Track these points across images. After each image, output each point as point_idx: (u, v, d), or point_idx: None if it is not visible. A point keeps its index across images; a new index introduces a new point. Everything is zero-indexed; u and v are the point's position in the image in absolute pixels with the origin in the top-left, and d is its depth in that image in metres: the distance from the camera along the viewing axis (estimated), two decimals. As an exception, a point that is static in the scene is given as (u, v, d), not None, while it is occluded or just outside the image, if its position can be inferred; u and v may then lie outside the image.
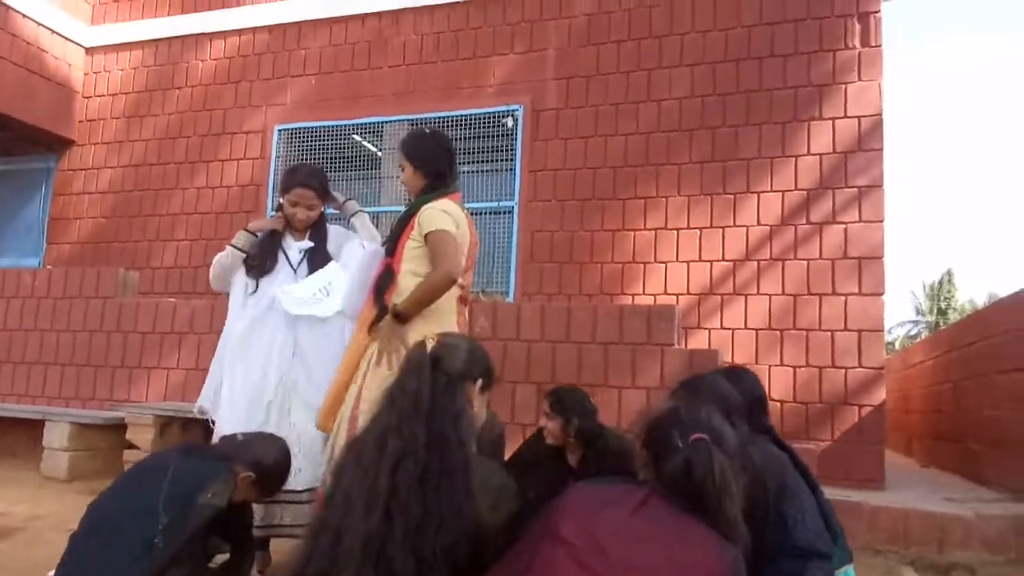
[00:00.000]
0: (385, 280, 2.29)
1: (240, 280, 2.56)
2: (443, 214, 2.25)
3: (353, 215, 2.70)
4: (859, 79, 4.32)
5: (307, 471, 2.37)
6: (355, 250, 2.55)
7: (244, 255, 2.55)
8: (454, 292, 2.27)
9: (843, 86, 4.34)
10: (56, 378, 4.71)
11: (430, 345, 1.71)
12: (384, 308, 2.24)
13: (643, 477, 1.47)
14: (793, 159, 4.43)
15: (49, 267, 5.68)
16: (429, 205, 2.27)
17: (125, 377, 4.58)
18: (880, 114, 4.27)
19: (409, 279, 2.23)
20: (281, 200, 2.60)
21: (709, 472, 1.32)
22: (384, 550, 1.38)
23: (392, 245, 2.32)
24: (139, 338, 4.61)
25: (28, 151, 6.21)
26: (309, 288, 2.46)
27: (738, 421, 1.69)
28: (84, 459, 4.06)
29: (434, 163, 2.37)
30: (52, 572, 1.75)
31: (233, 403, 2.39)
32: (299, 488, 2.35)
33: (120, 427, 4.03)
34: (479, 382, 1.79)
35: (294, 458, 2.22)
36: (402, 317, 2.19)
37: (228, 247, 2.57)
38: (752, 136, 4.49)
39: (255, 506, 2.25)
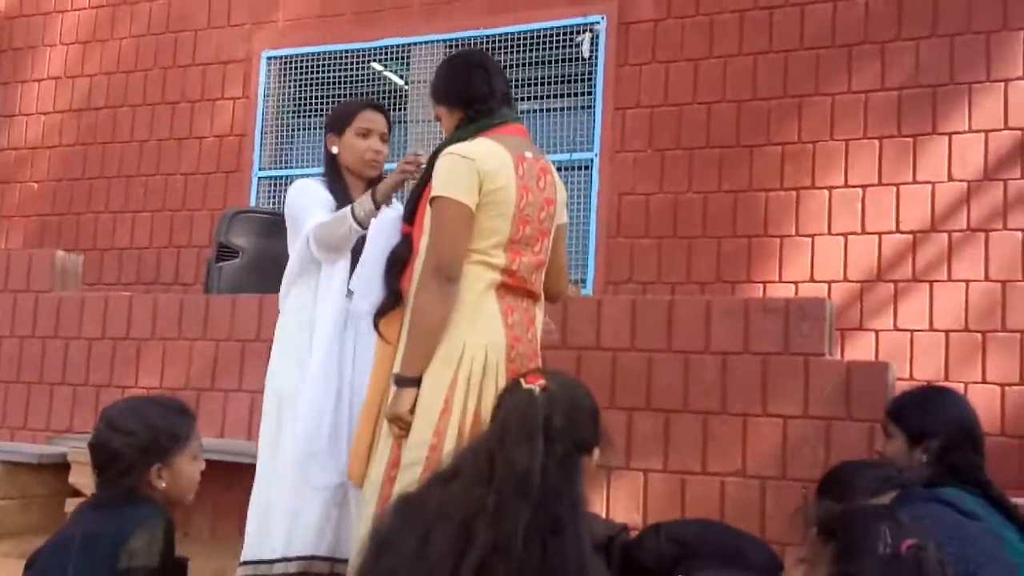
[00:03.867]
0: (400, 255, 2.38)
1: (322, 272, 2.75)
2: (458, 162, 2.27)
3: None
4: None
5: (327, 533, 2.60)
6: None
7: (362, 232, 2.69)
8: (483, 280, 2.30)
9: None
10: (-27, 401, 4.91)
11: (529, 385, 1.80)
12: (393, 293, 2.35)
13: None
14: (1002, 85, 4.38)
15: (-40, 250, 5.91)
16: (448, 148, 2.33)
17: (67, 399, 4.71)
18: None
19: None
20: (334, 145, 2.84)
21: None
22: None
23: (411, 207, 2.41)
24: (84, 346, 4.74)
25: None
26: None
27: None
28: (14, 510, 4.17)
29: (464, 90, 2.43)
30: None
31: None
32: (321, 554, 2.58)
33: (62, 467, 4.15)
34: (596, 452, 1.86)
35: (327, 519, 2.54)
36: (408, 382, 2.25)
37: (349, 219, 2.64)
38: (941, 53, 4.49)
39: None
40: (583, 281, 4.97)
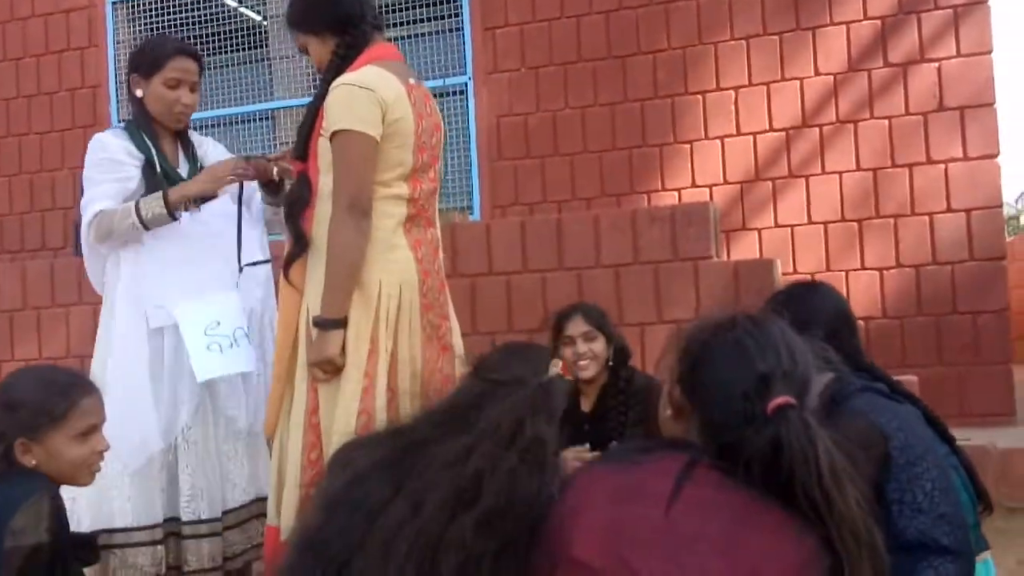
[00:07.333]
0: (300, 195, 2.31)
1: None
2: (357, 93, 2.22)
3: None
4: None
5: (214, 494, 2.52)
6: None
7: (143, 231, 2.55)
8: (392, 217, 2.29)
9: None
10: None
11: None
12: (300, 239, 2.29)
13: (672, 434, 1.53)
14: (860, -25, 4.58)
15: None
16: (342, 79, 2.26)
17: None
18: None
19: (329, 205, 2.25)
20: (139, 88, 2.60)
21: (810, 460, 1.31)
22: None
23: (302, 144, 2.34)
24: (-49, 323, 4.68)
25: None
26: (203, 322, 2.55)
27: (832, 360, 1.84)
28: None
29: (336, 12, 2.34)
30: None
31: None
32: (203, 517, 2.48)
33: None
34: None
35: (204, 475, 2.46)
36: (333, 324, 2.20)
37: (132, 217, 2.49)
38: (798, -51, 4.65)
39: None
40: (469, 208, 5.01)
